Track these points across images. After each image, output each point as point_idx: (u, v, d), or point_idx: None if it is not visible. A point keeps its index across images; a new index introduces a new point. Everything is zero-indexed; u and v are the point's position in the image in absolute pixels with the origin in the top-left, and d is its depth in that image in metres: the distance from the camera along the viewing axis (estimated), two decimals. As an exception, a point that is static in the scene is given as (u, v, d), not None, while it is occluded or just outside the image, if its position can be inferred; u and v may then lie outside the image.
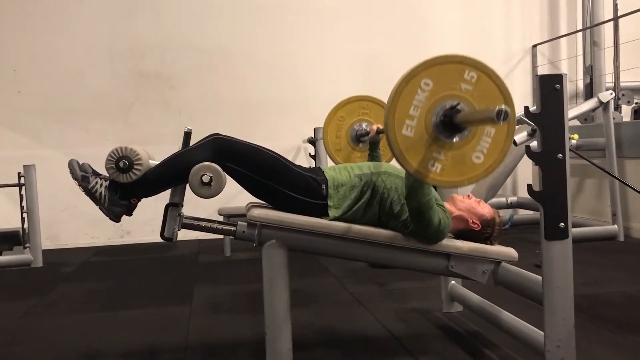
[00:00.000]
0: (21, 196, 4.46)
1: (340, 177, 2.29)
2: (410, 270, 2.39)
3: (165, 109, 5.74)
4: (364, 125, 3.11)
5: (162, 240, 2.29)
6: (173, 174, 2.21)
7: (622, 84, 5.53)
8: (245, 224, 2.22)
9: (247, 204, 2.39)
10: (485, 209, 2.36)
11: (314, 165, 4.93)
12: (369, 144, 2.87)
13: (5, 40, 5.50)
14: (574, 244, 1.90)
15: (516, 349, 2.26)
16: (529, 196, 1.94)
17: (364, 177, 2.29)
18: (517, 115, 4.54)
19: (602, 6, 6.03)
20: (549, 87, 1.85)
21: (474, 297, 2.61)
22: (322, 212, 2.23)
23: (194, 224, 2.25)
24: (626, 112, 5.69)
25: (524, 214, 5.85)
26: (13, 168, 4.57)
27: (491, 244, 2.32)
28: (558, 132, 1.86)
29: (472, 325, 2.63)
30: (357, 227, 2.21)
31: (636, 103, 5.52)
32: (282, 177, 2.22)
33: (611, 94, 4.69)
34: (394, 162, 2.53)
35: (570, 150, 1.90)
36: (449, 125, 1.83)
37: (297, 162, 2.36)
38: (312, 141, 5.14)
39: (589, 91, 6.00)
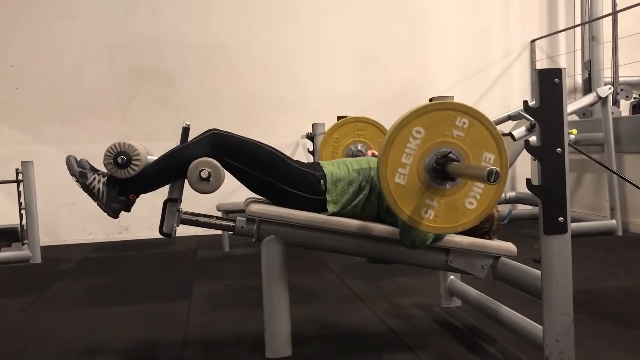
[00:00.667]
0: (19, 192, 4.46)
1: (339, 172, 2.29)
2: (409, 266, 2.39)
3: (163, 105, 5.73)
4: (359, 146, 3.13)
5: (161, 236, 2.29)
6: (171, 170, 2.21)
7: (620, 79, 5.53)
8: (244, 219, 2.23)
9: (246, 200, 2.39)
10: (484, 204, 2.36)
11: (312, 161, 4.92)
12: None
13: (3, 36, 5.49)
14: (573, 239, 1.90)
15: (515, 344, 2.26)
16: (527, 191, 1.95)
17: (362, 172, 2.28)
18: (516, 110, 4.55)
19: (600, 1, 6.02)
20: (548, 82, 1.85)
21: (473, 292, 2.61)
22: (320, 208, 2.23)
23: (193, 220, 2.26)
24: (625, 107, 5.69)
25: (522, 209, 5.86)
26: (11, 164, 4.56)
27: (490, 238, 2.32)
28: (557, 126, 1.85)
29: (471, 320, 2.63)
30: (355, 222, 2.21)
31: (635, 98, 5.51)
32: (281, 172, 2.22)
33: (610, 88, 4.69)
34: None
35: (568, 145, 1.89)
36: (442, 172, 1.86)
37: (295, 158, 2.36)
38: (310, 137, 5.13)
39: (588, 86, 5.99)
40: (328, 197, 2.24)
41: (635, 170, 4.72)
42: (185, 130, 2.29)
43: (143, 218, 5.26)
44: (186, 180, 2.19)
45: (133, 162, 2.17)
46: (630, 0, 5.20)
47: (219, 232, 4.74)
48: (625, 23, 5.57)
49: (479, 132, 1.88)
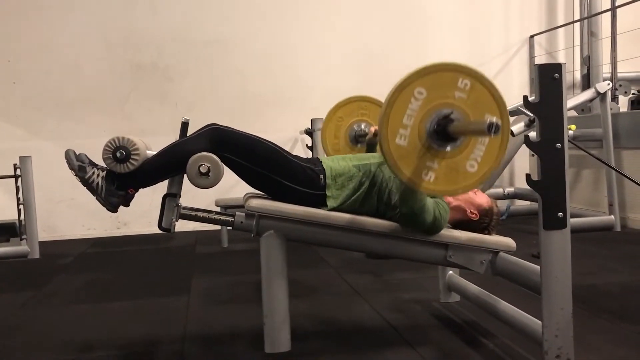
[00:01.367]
0: (17, 188, 4.45)
1: (339, 167, 2.28)
2: (408, 261, 2.39)
3: (162, 100, 5.72)
4: (362, 125, 3.10)
5: (159, 232, 2.28)
6: (171, 164, 2.20)
7: (619, 75, 5.52)
8: (244, 214, 2.22)
9: (245, 195, 2.39)
10: (483, 199, 2.36)
11: (311, 156, 4.92)
12: (367, 146, 2.87)
13: (0, 30, 5.46)
14: (571, 235, 1.90)
15: (514, 339, 2.26)
16: (526, 187, 1.94)
17: (362, 167, 2.28)
18: (515, 105, 4.54)
19: (599, -4, 6.02)
20: (547, 77, 1.85)
21: (472, 287, 2.61)
22: (320, 203, 2.23)
23: (192, 215, 2.25)
24: (623, 103, 5.69)
25: (520, 204, 5.86)
26: (9, 159, 4.55)
27: (489, 233, 2.32)
28: (557, 122, 1.85)
29: (470, 315, 2.63)
30: (355, 218, 2.21)
31: (633, 94, 5.52)
32: (280, 167, 2.21)
33: (608, 84, 4.69)
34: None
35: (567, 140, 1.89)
36: (443, 134, 1.84)
37: (294, 154, 2.35)
38: (309, 132, 5.12)
39: (587, 82, 5.99)
40: (328, 193, 2.24)
41: (633, 166, 4.72)
42: (185, 125, 2.28)
43: (141, 213, 5.28)
44: (185, 175, 2.19)
45: (132, 156, 2.16)
46: (629, -4, 5.20)
47: (218, 227, 4.74)
48: (624, 19, 5.56)
49: (481, 94, 1.85)
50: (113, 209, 2.20)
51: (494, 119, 1.55)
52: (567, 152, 1.87)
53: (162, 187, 2.30)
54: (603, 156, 4.52)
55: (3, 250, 4.50)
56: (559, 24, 6.35)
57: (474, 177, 1.90)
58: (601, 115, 4.71)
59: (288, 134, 5.78)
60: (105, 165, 2.19)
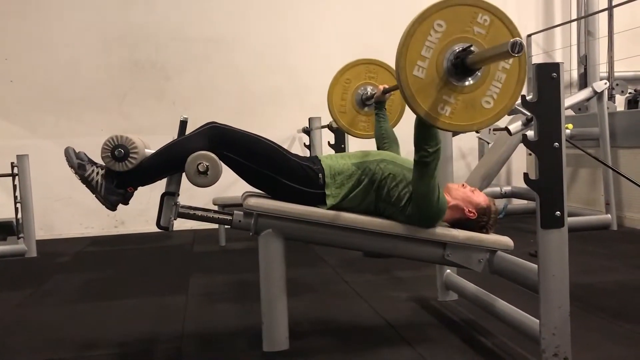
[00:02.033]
0: (14, 186, 4.44)
1: (337, 165, 2.29)
2: (406, 259, 2.40)
3: (159, 98, 5.71)
4: (369, 89, 3.06)
5: (157, 230, 2.28)
6: (169, 163, 2.20)
7: (616, 74, 5.53)
8: (242, 213, 2.22)
9: (243, 193, 2.39)
10: (480, 198, 2.37)
11: (310, 155, 4.92)
12: (375, 104, 2.84)
13: (-3, 28, 5.46)
14: (568, 233, 1.91)
15: (512, 337, 2.27)
16: (523, 185, 1.95)
17: (361, 165, 2.29)
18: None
19: (596, -4, 6.03)
20: (545, 76, 1.85)
21: (470, 286, 2.62)
22: (319, 201, 2.24)
23: (190, 213, 2.25)
24: (620, 102, 5.70)
25: (517, 203, 5.87)
26: (6, 158, 4.54)
27: (487, 232, 2.33)
28: (554, 121, 1.86)
29: (468, 314, 2.64)
30: (353, 216, 2.22)
31: (630, 93, 5.53)
32: (279, 166, 2.22)
33: (605, 83, 4.70)
34: (392, 154, 2.53)
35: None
36: (461, 68, 1.82)
37: (293, 152, 2.35)
38: (307, 131, 5.13)
39: (583, 81, 6.00)
40: (327, 191, 2.24)
41: (630, 165, 4.74)
42: (183, 124, 2.28)
43: (139, 212, 5.27)
44: (184, 174, 2.19)
45: (131, 155, 2.16)
46: (626, -4, 5.22)
47: (215, 226, 4.74)
48: (621, 18, 5.58)
49: (500, 31, 1.83)
50: (112, 207, 2.20)
51: (517, 39, 1.54)
52: (565, 151, 1.88)
53: (160, 186, 2.30)
54: (600, 155, 4.54)
55: (0, 248, 4.49)
56: (556, 23, 6.36)
57: (489, 114, 1.87)
58: (598, 115, 4.73)
59: (286, 133, 5.78)
60: (104, 164, 2.19)
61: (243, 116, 5.53)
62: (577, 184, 5.38)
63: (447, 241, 2.22)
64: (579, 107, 5.53)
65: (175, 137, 2.28)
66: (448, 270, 2.82)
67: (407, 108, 1.95)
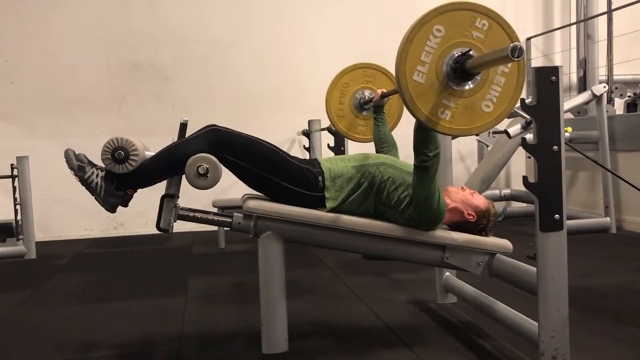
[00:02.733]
0: (14, 188, 4.44)
1: (337, 168, 2.29)
2: (405, 262, 2.40)
3: (158, 100, 5.72)
4: (367, 93, 3.08)
5: (156, 232, 2.29)
6: (169, 165, 2.20)
7: (615, 77, 5.54)
8: (242, 215, 2.23)
9: (243, 196, 2.39)
10: (479, 200, 2.37)
11: (309, 158, 4.92)
12: (373, 108, 2.85)
13: (-3, 30, 5.46)
14: (567, 236, 1.91)
15: (510, 340, 2.27)
16: (522, 188, 1.95)
17: (360, 168, 2.29)
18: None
19: (596, -1, 6.04)
20: (544, 79, 1.86)
21: (469, 289, 2.62)
22: (318, 204, 2.24)
23: (190, 215, 2.26)
24: (619, 106, 5.71)
25: (517, 206, 5.88)
26: (6, 159, 4.54)
27: (486, 235, 2.33)
28: (553, 124, 1.87)
29: (467, 317, 2.64)
30: (353, 219, 2.22)
31: (629, 96, 5.54)
32: (279, 168, 2.22)
33: (604, 87, 4.71)
34: (392, 158, 2.53)
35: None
36: (460, 72, 1.83)
37: (292, 155, 2.36)
38: (307, 133, 5.13)
39: (583, 84, 6.01)
40: (327, 194, 2.24)
41: (629, 168, 4.74)
42: (183, 126, 2.29)
43: (138, 214, 5.27)
44: (184, 176, 2.19)
45: (131, 157, 2.16)
46: (625, -1, 5.23)
47: (215, 228, 4.74)
48: (620, 22, 5.59)
49: (498, 35, 1.85)
50: (111, 209, 2.20)
51: (517, 44, 1.55)
52: (564, 155, 1.88)
53: (159, 188, 2.30)
54: (599, 158, 4.54)
55: (0, 250, 4.50)
56: (556, 27, 6.37)
57: (489, 117, 1.89)
58: (597, 118, 4.73)
59: (285, 135, 5.79)
60: (104, 166, 2.19)
61: (242, 118, 5.54)
62: (577, 187, 5.39)
63: (446, 244, 2.23)
64: (578, 111, 5.54)
65: (175, 139, 2.28)
66: (447, 273, 2.82)
67: (405, 111, 1.96)
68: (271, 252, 2.22)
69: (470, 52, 1.82)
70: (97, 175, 2.18)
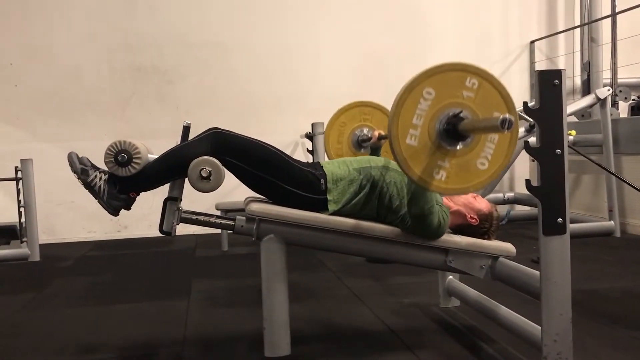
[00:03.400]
0: (18, 190, 4.45)
1: (339, 171, 2.29)
2: (408, 265, 2.39)
3: (162, 103, 5.73)
4: (365, 130, 3.12)
5: (160, 235, 2.29)
6: (172, 168, 2.21)
7: (619, 81, 5.54)
8: (244, 218, 2.23)
9: (246, 199, 2.40)
10: (482, 204, 2.37)
11: (312, 161, 4.92)
12: (370, 149, 2.89)
13: (2, 33, 5.48)
14: (571, 240, 1.90)
15: (513, 344, 2.26)
16: (525, 192, 1.95)
17: (363, 170, 2.29)
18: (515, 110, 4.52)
19: (600, 2, 6.03)
20: (548, 83, 1.85)
21: (472, 292, 2.61)
22: (321, 207, 2.24)
23: (193, 218, 2.26)
24: (623, 109, 5.70)
25: (520, 209, 5.86)
26: (10, 162, 4.55)
27: (489, 238, 2.33)
28: (557, 128, 1.86)
29: (470, 320, 2.63)
30: (355, 222, 2.22)
31: (633, 99, 5.53)
32: (281, 171, 2.22)
33: (609, 90, 4.70)
34: (395, 162, 2.53)
35: (567, 146, 1.90)
36: (453, 133, 1.84)
37: (295, 158, 2.36)
38: (310, 136, 5.13)
39: (587, 87, 6.00)
40: (329, 197, 2.24)
41: (633, 172, 4.73)
42: (186, 129, 2.29)
43: (142, 216, 5.28)
44: (186, 179, 2.19)
45: (134, 160, 2.17)
46: (630, 2, 5.21)
47: (218, 231, 4.74)
48: (625, 25, 5.58)
49: (489, 93, 1.87)
50: (114, 212, 2.21)
51: (507, 116, 1.56)
52: (567, 158, 1.88)
53: (162, 191, 2.31)
54: (603, 162, 4.53)
55: (4, 252, 4.50)
56: (560, 30, 6.37)
57: (485, 175, 1.90)
58: (601, 121, 4.72)
59: (288, 138, 5.79)
60: (107, 169, 2.20)
61: (245, 121, 5.56)
62: (580, 190, 5.37)
63: (449, 247, 2.22)
64: (582, 114, 5.53)
65: (179, 142, 2.29)
66: (450, 277, 2.82)
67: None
68: (274, 255, 2.22)
69: (462, 114, 1.84)
70: (100, 178, 2.19)
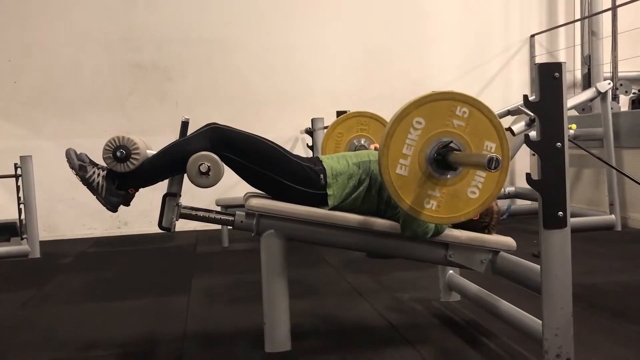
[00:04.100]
0: (18, 187, 4.45)
1: (339, 166, 2.28)
2: (408, 260, 2.39)
3: (162, 100, 5.72)
4: (362, 141, 3.12)
5: (160, 231, 2.29)
6: (171, 164, 2.20)
7: (620, 74, 5.52)
8: (244, 213, 2.23)
9: (245, 194, 2.39)
10: (483, 199, 2.36)
11: (311, 156, 4.91)
12: None
13: (1, 30, 5.47)
14: (571, 234, 1.90)
15: (514, 338, 2.26)
16: (526, 186, 1.94)
17: (362, 165, 2.29)
18: (516, 104, 4.55)
19: (600, -5, 6.02)
20: (548, 76, 1.84)
21: (472, 287, 2.61)
22: (320, 202, 2.23)
23: (192, 214, 2.26)
24: (624, 102, 5.69)
25: (521, 203, 5.86)
26: (9, 159, 4.55)
27: (489, 232, 2.32)
28: (557, 121, 1.85)
29: (470, 315, 2.63)
30: (355, 217, 2.21)
31: (634, 93, 5.51)
32: (280, 167, 2.21)
33: (609, 83, 4.68)
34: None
35: (568, 140, 1.89)
36: (443, 162, 1.86)
37: (294, 153, 2.35)
38: (310, 132, 5.12)
39: (587, 81, 5.99)
40: (328, 191, 2.24)
41: (634, 166, 4.72)
42: (185, 125, 2.28)
43: (142, 213, 5.28)
44: (185, 175, 2.19)
45: (132, 156, 2.16)
46: (630, -5, 5.20)
47: (218, 226, 4.75)
48: (625, 18, 5.56)
49: (480, 121, 1.87)
50: (113, 208, 2.20)
51: (494, 156, 1.57)
52: (568, 152, 1.87)
53: (162, 187, 2.30)
54: (604, 155, 4.52)
55: (4, 249, 4.50)
56: (560, 23, 6.35)
57: (476, 203, 1.93)
58: (602, 115, 4.71)
59: (288, 133, 5.79)
60: (105, 165, 2.19)
61: (245, 117, 5.54)
62: (581, 184, 5.37)
63: (449, 242, 2.22)
64: (582, 108, 5.52)
65: (177, 138, 2.28)
66: (450, 271, 2.81)
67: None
68: (274, 250, 2.21)
69: (452, 144, 1.85)
70: (99, 174, 2.18)
